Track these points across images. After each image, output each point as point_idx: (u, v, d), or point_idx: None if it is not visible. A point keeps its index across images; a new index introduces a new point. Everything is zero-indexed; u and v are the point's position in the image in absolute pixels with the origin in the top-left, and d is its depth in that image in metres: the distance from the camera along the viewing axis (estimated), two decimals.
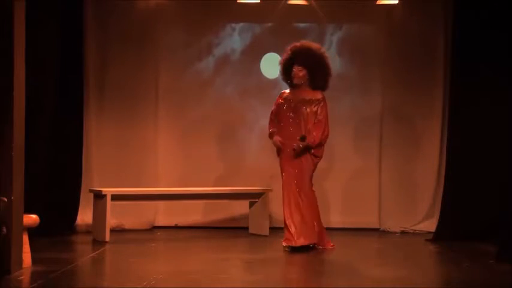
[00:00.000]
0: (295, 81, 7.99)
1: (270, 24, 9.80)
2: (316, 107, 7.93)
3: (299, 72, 7.94)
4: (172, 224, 9.77)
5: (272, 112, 8.18)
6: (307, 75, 7.95)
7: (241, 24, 9.87)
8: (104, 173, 9.52)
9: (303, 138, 7.87)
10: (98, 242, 8.35)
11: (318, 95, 7.99)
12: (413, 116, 9.69)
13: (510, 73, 8.62)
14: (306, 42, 8.11)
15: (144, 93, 9.70)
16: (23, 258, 6.52)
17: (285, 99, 8.06)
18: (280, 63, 8.15)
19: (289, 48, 8.08)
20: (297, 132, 7.92)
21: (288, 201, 7.85)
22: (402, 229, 9.57)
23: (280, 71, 8.17)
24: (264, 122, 8.59)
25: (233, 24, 9.86)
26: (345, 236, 9.17)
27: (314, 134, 7.89)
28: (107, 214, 8.37)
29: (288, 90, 8.13)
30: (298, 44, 8.08)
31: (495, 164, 8.72)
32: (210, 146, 9.81)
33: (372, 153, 9.79)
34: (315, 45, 8.10)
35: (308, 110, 7.93)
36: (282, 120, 8.05)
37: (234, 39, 9.88)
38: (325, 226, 8.25)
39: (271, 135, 8.11)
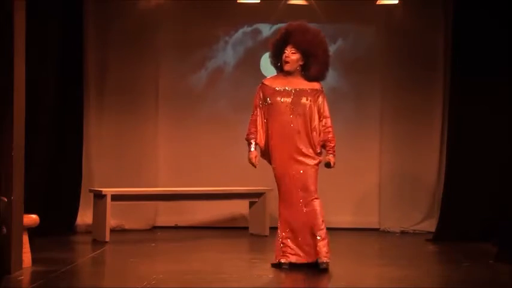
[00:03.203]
0: (287, 67, 6.68)
1: (271, 25, 9.80)
2: (318, 99, 6.73)
3: (292, 54, 6.66)
4: (172, 224, 9.77)
5: (256, 106, 6.85)
6: (301, 60, 6.70)
7: (241, 24, 9.88)
8: (104, 173, 9.52)
9: (328, 165, 6.87)
10: (98, 242, 8.35)
11: (316, 85, 6.75)
12: (413, 116, 9.67)
13: (510, 73, 8.63)
14: (304, 23, 6.87)
15: (144, 93, 9.70)
16: (23, 258, 6.51)
17: (275, 88, 6.74)
18: (271, 44, 6.85)
19: (283, 27, 6.85)
20: (299, 129, 6.70)
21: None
22: (402, 229, 9.57)
23: (270, 53, 6.85)
24: None
25: (231, 30, 9.88)
26: (345, 236, 9.18)
27: (331, 137, 6.79)
28: (107, 214, 8.36)
29: (273, 77, 6.88)
30: (294, 23, 6.82)
31: (495, 164, 8.72)
32: (211, 146, 9.80)
33: (372, 153, 9.80)
34: (314, 28, 6.85)
35: (309, 101, 6.71)
36: (276, 113, 6.74)
37: (232, 42, 9.91)
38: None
39: (248, 139, 6.95)
